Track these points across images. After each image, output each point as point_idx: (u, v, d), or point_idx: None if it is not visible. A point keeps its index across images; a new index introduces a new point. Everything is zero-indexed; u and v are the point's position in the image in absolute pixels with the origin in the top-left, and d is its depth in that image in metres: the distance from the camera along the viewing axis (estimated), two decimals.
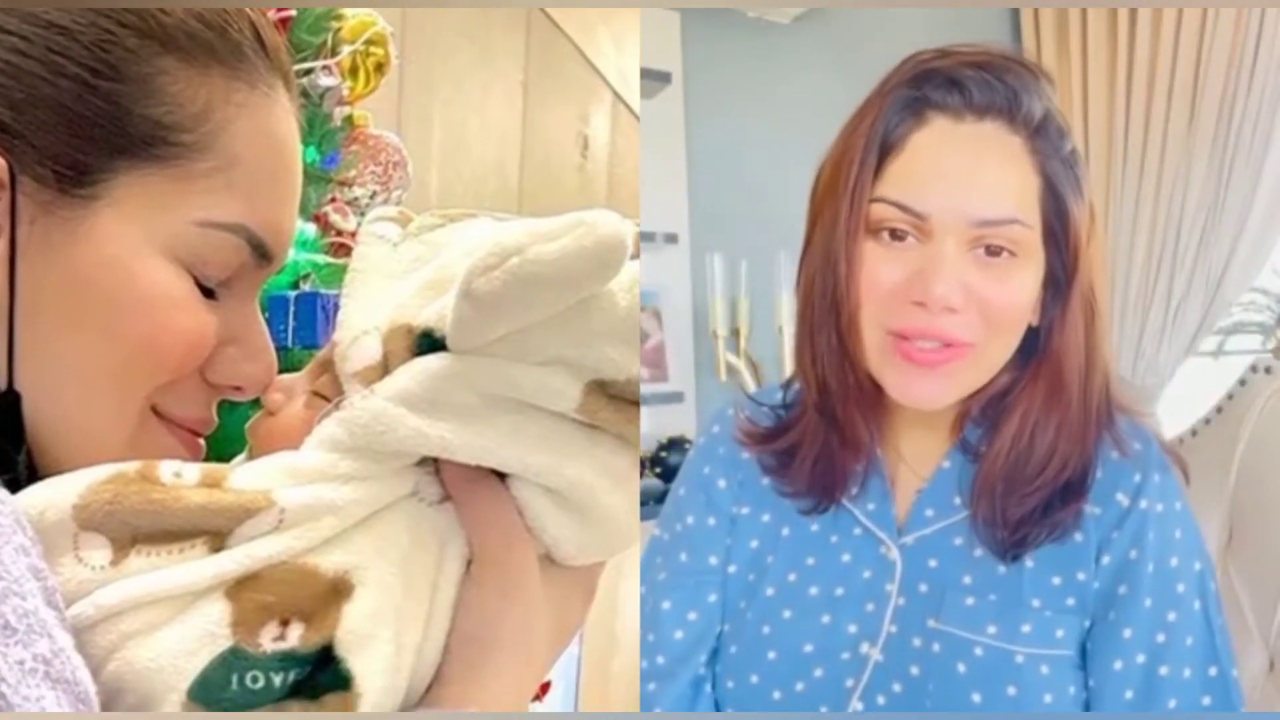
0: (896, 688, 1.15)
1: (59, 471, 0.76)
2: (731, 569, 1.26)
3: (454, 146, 2.40)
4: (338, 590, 0.76)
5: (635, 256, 0.78)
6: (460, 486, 0.81)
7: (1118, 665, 1.12)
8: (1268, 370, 1.96)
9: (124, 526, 0.74)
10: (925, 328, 1.07)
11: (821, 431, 1.20)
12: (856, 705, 1.15)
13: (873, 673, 1.16)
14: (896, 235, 1.08)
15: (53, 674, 0.63)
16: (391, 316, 0.80)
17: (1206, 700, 1.12)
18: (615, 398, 0.81)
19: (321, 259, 1.17)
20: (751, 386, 3.04)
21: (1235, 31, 3.13)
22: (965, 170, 1.07)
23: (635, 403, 0.81)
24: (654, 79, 3.00)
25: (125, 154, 0.79)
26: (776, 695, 1.19)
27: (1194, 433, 2.00)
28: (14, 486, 0.74)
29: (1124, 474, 1.16)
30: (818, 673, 1.18)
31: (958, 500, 1.19)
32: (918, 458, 1.23)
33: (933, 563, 1.18)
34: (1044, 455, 1.14)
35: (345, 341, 0.81)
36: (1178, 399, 3.22)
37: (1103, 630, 1.14)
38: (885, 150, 1.10)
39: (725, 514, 1.28)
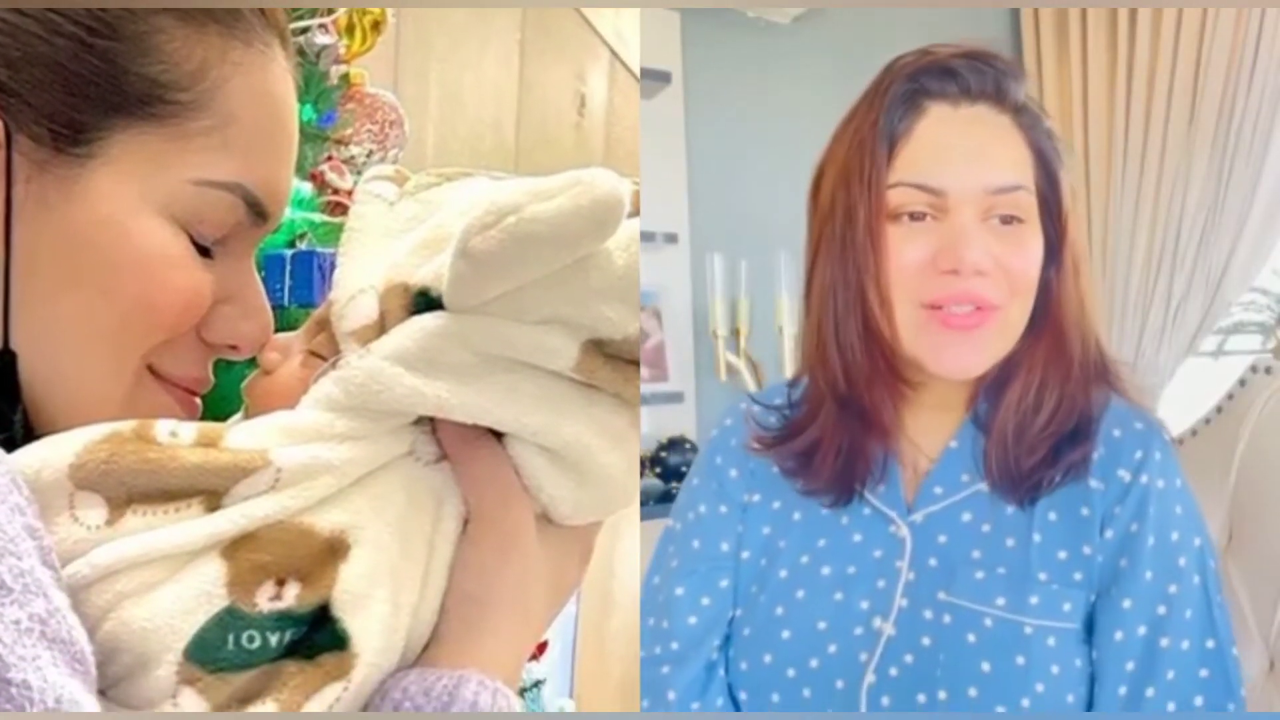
0: (908, 659, 1.17)
1: (55, 431, 0.76)
2: (745, 555, 1.29)
3: (450, 105, 2.39)
4: (334, 550, 0.76)
5: (633, 214, 0.78)
6: (457, 446, 0.81)
7: (1119, 636, 1.15)
8: (1268, 370, 1.96)
9: (120, 486, 0.73)
10: (961, 292, 1.13)
11: (844, 423, 1.23)
12: (870, 679, 1.17)
13: (885, 646, 1.18)
14: (915, 217, 1.14)
15: (48, 634, 0.63)
16: (388, 275, 0.80)
17: (1204, 673, 1.15)
18: (613, 357, 0.80)
19: (318, 217, 1.17)
20: (752, 386, 3.04)
21: (1235, 31, 3.13)
22: (972, 146, 1.15)
23: (633, 361, 0.81)
24: (654, 79, 3.00)
25: (121, 112, 0.79)
26: (791, 673, 1.20)
27: (1194, 433, 1.99)
28: (10, 445, 0.74)
29: (1126, 450, 1.20)
30: (831, 649, 1.19)
31: (965, 478, 1.23)
32: (926, 440, 1.26)
33: (942, 539, 1.21)
34: (1053, 405, 1.19)
35: (342, 300, 0.81)
36: (1178, 399, 3.21)
37: (1105, 603, 1.16)
38: (893, 142, 1.16)
39: (737, 502, 1.31)
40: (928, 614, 1.18)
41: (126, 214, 0.79)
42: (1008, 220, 1.14)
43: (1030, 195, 1.16)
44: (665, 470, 2.98)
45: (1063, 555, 1.18)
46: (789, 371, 2.99)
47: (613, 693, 3.35)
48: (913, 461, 1.26)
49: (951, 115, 1.16)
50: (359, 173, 1.24)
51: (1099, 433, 1.20)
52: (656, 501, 2.93)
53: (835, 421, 1.23)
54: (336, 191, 1.26)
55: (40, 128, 0.77)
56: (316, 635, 0.75)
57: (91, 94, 0.78)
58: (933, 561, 1.20)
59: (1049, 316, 1.19)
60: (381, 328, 0.79)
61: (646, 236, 2.98)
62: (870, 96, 1.19)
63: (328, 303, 0.84)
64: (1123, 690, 1.14)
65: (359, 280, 0.81)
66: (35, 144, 0.77)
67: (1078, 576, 1.17)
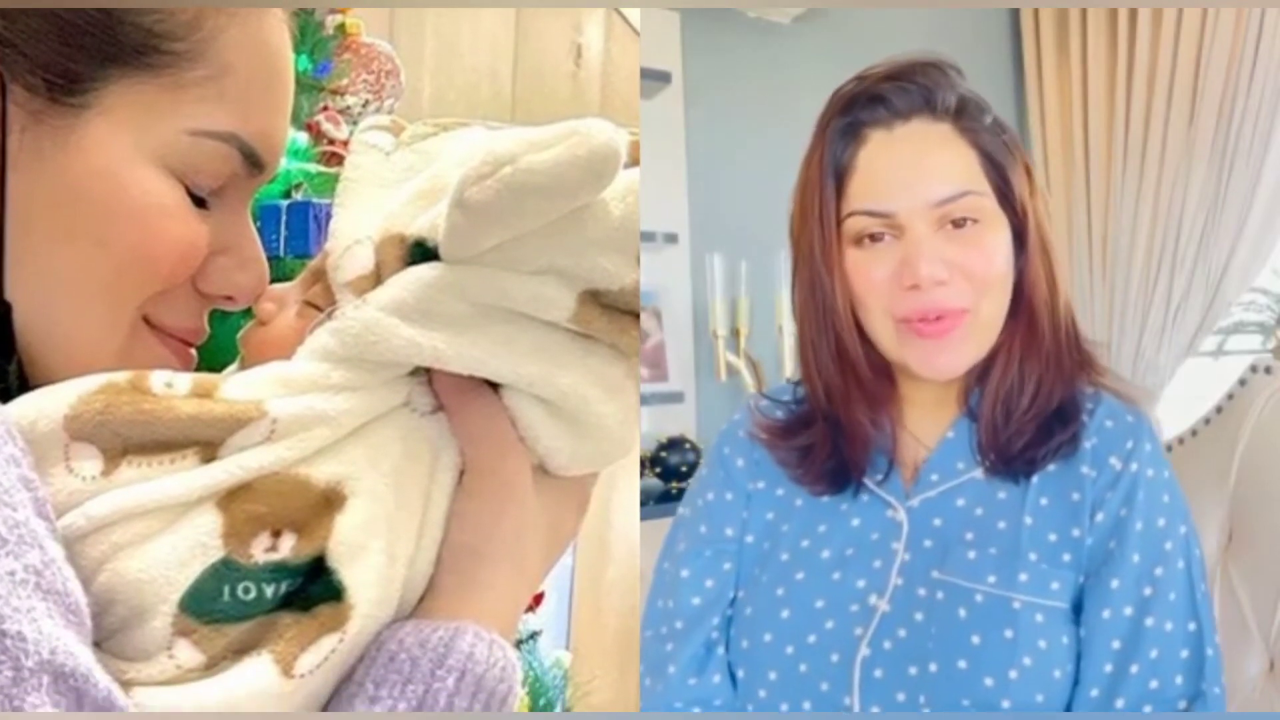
0: (901, 633, 1.20)
1: (50, 382, 0.76)
2: (749, 539, 1.34)
3: (447, 55, 2.39)
4: (329, 501, 0.76)
5: (630, 165, 0.78)
6: (453, 396, 0.81)
7: (1106, 614, 1.19)
8: (1268, 370, 1.95)
9: (115, 437, 0.73)
10: (925, 306, 1.19)
11: (830, 436, 1.30)
12: (865, 651, 1.20)
13: (880, 621, 1.21)
14: (875, 238, 1.21)
15: (43, 585, 0.63)
16: (384, 226, 0.80)
17: (1184, 653, 1.19)
18: (609, 307, 0.80)
19: (313, 168, 1.17)
20: (752, 386, 3.04)
21: (1235, 31, 3.14)
22: (911, 164, 1.20)
23: (629, 312, 0.81)
24: (654, 79, 3.00)
25: (116, 62, 0.78)
26: (789, 649, 1.23)
27: (1194, 433, 1.99)
28: (5, 396, 0.74)
29: (1118, 440, 1.26)
30: (828, 625, 1.23)
31: (960, 465, 1.29)
32: (924, 432, 1.32)
33: (937, 521, 1.26)
34: (1034, 386, 1.25)
35: (337, 251, 0.81)
36: (1178, 399, 3.21)
37: (1093, 584, 1.21)
38: (840, 174, 1.22)
39: (742, 490, 1.37)
40: (921, 591, 1.22)
41: (122, 164, 0.78)
42: (960, 224, 1.19)
43: (980, 196, 1.21)
44: (665, 470, 2.97)
45: (1053, 537, 1.23)
46: (789, 371, 3.00)
47: (609, 644, 3.35)
48: (913, 452, 1.32)
49: (888, 139, 1.21)
50: (355, 123, 1.24)
51: (1088, 414, 1.27)
52: (656, 501, 2.93)
53: (824, 434, 1.31)
54: (332, 142, 1.26)
55: (35, 78, 0.77)
56: (312, 587, 0.75)
57: (87, 44, 0.77)
58: (928, 543, 1.25)
59: (1022, 302, 1.25)
60: (377, 278, 0.79)
61: (647, 236, 2.98)
62: (817, 132, 1.25)
63: (323, 253, 0.83)
64: (1109, 667, 1.17)
65: (355, 231, 0.81)
66: (30, 94, 0.77)
67: (1066, 558, 1.22)
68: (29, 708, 0.58)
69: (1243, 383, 1.99)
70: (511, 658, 0.78)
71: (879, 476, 1.30)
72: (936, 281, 1.18)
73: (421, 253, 0.78)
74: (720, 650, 1.30)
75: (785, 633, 1.24)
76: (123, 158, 0.78)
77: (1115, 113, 3.36)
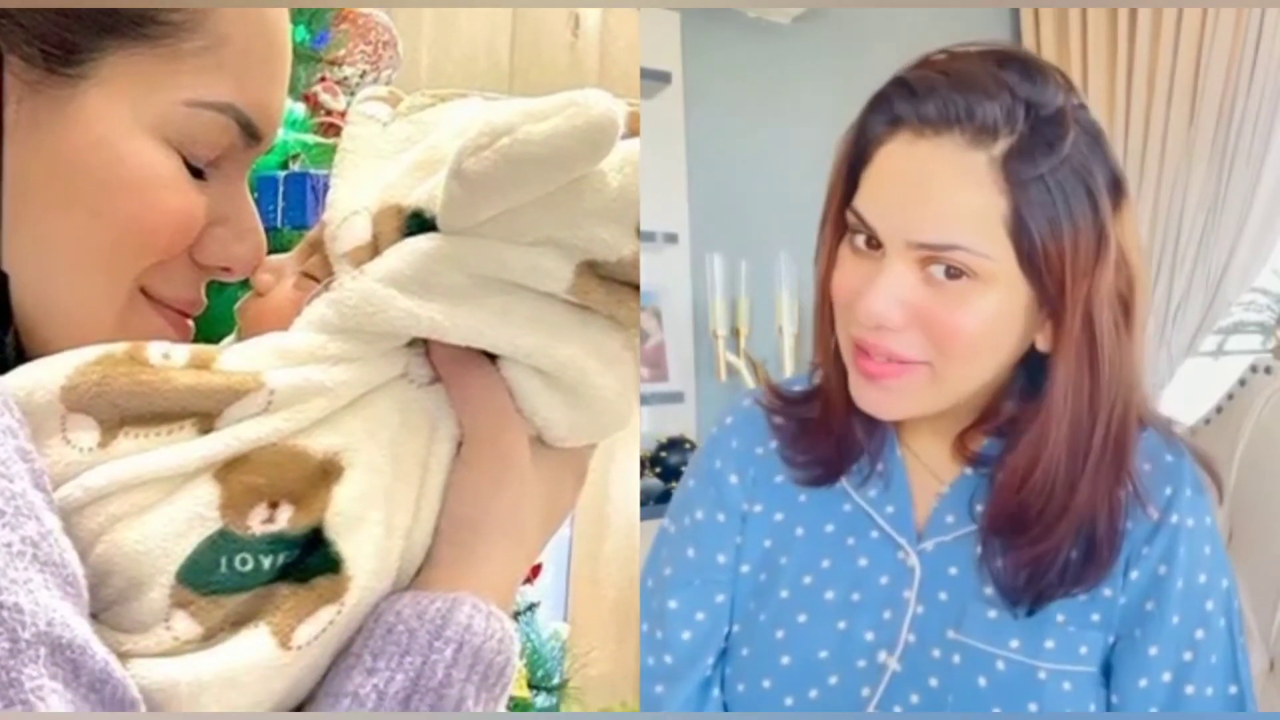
0: (914, 699, 1.14)
1: (47, 353, 0.76)
2: (744, 568, 1.25)
3: (444, 25, 2.40)
4: (327, 472, 0.76)
5: (628, 136, 0.78)
6: (450, 368, 0.81)
7: (1143, 683, 1.11)
8: (1268, 370, 1.97)
9: (112, 408, 0.73)
10: (874, 341, 1.05)
11: (846, 411, 1.17)
12: (873, 713, 1.14)
13: (890, 682, 1.14)
14: (871, 244, 1.06)
15: (40, 556, 0.63)
16: (381, 197, 0.80)
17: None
18: (607, 279, 0.80)
19: (311, 139, 1.17)
20: (751, 386, 3.04)
21: (1235, 31, 3.14)
22: (913, 190, 1.02)
23: (627, 283, 0.81)
24: (654, 79, 3.00)
25: (114, 33, 0.78)
26: (789, 701, 1.17)
27: (1194, 433, 2.00)
28: (1, 368, 0.74)
29: (1155, 488, 1.12)
30: (832, 680, 1.16)
31: (980, 508, 1.15)
32: (936, 463, 1.21)
33: (953, 570, 1.16)
34: (1040, 497, 1.09)
35: (335, 222, 0.81)
36: (1178, 399, 3.21)
37: (1128, 646, 1.12)
38: (860, 159, 1.07)
39: (736, 511, 1.26)
40: (936, 652, 1.14)
41: (119, 135, 0.78)
42: (954, 274, 1.01)
43: (978, 257, 1.00)
44: (665, 470, 2.97)
45: (1082, 597, 1.12)
46: (789, 371, 3.00)
47: (606, 616, 3.34)
48: (924, 484, 1.21)
49: (909, 148, 1.02)
50: (352, 94, 1.24)
51: (1120, 550, 1.11)
52: (656, 501, 2.93)
53: (841, 406, 1.16)
54: (330, 113, 1.26)
55: (32, 48, 0.77)
56: (309, 558, 0.75)
57: (84, 14, 0.77)
58: (943, 595, 1.16)
59: (1047, 392, 1.07)
60: (375, 249, 0.79)
61: (647, 236, 2.98)
62: (868, 105, 1.08)
63: (321, 224, 0.83)
64: None
65: (352, 202, 0.81)
66: (27, 65, 0.77)
67: (1095, 618, 1.12)
68: (26, 679, 0.58)
69: (1243, 383, 2.00)
70: (509, 629, 0.78)
71: (889, 509, 1.19)
72: (877, 324, 1.03)
73: (419, 224, 0.78)
74: (716, 691, 1.23)
75: (785, 682, 1.18)
76: (120, 128, 0.78)
77: (1115, 113, 3.36)
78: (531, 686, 1.69)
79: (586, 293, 0.80)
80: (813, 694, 1.16)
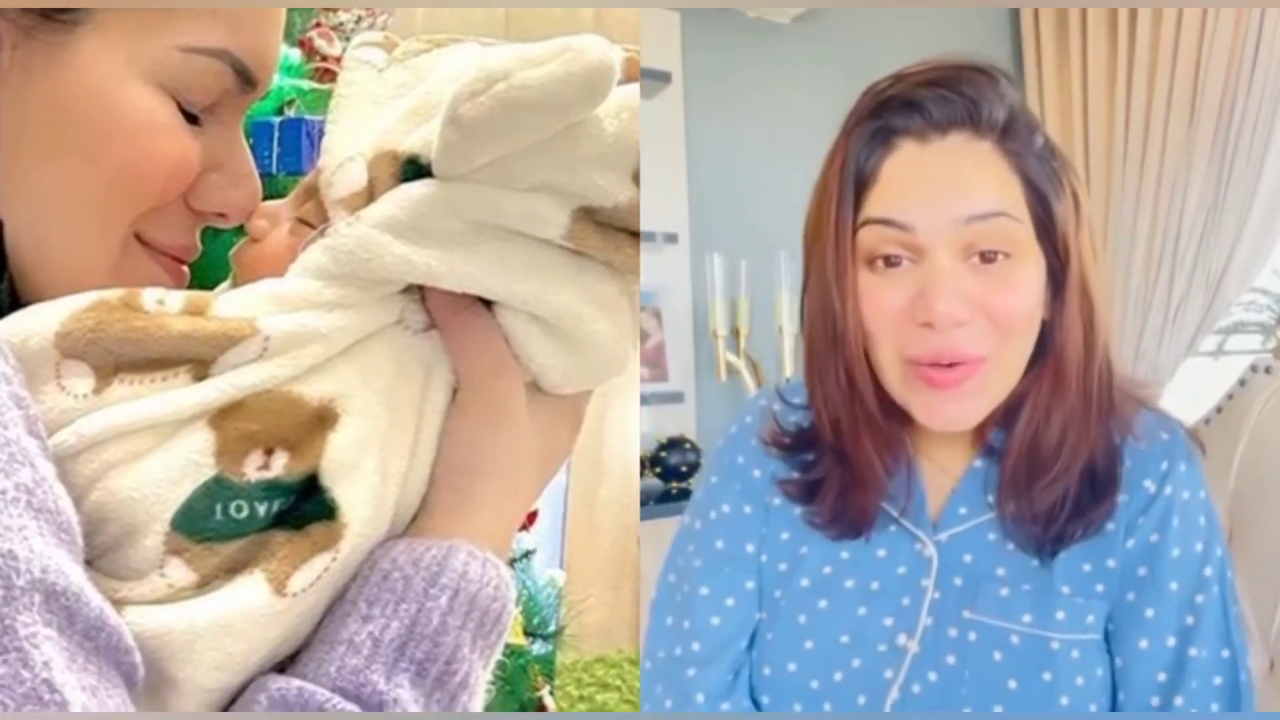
0: (932, 677, 1.16)
1: (41, 299, 0.75)
2: (764, 558, 1.27)
3: None
4: (322, 419, 0.75)
5: (625, 81, 0.77)
6: (446, 314, 0.80)
7: (1143, 644, 1.14)
8: (1268, 370, 1.96)
9: (107, 354, 0.72)
10: (939, 349, 1.07)
11: (838, 472, 1.21)
12: (895, 695, 1.16)
13: (910, 663, 1.16)
14: (891, 262, 1.08)
15: (34, 503, 0.62)
16: (377, 143, 0.80)
17: (1217, 680, 1.14)
18: (603, 225, 0.80)
19: (306, 84, 1.16)
20: (752, 386, 3.04)
21: (1235, 31, 3.15)
22: (942, 177, 1.08)
23: (624, 229, 0.80)
24: (654, 79, 3.01)
25: None
26: (814, 685, 1.19)
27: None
28: None
29: (1152, 461, 1.17)
30: (855, 663, 1.18)
31: (990, 498, 1.20)
32: (949, 460, 1.23)
33: (967, 557, 1.19)
34: (1053, 445, 1.14)
35: (330, 168, 0.80)
36: (1178, 399, 3.21)
37: (1123, 610, 1.15)
38: (861, 183, 1.10)
39: (760, 503, 1.28)
40: (953, 632, 1.16)
41: (114, 81, 0.78)
42: (990, 257, 1.06)
43: (1016, 223, 1.07)
44: (665, 470, 2.97)
45: (1087, 568, 1.16)
46: (789, 371, 3.00)
47: (603, 563, 3.35)
48: (936, 481, 1.23)
49: (920, 152, 1.08)
50: (348, 39, 1.23)
51: (1123, 480, 1.16)
52: (657, 501, 2.93)
53: (833, 469, 1.21)
54: (325, 58, 1.26)
55: None
56: (305, 505, 0.74)
57: None
58: (958, 580, 1.19)
59: (1050, 350, 1.13)
60: (370, 195, 0.78)
61: (647, 236, 2.98)
62: (842, 134, 1.13)
63: (316, 170, 0.83)
64: (1155, 700, 1.13)
65: (348, 147, 0.80)
66: (21, 11, 0.76)
67: (1100, 588, 1.16)
68: (20, 626, 0.58)
69: (1243, 383, 1.99)
70: (505, 576, 0.78)
71: (905, 505, 1.21)
72: (955, 322, 1.05)
73: (414, 170, 0.78)
74: (747, 675, 1.24)
75: (810, 665, 1.19)
76: (115, 74, 0.78)
77: (1115, 113, 3.37)
78: (527, 633, 1.69)
79: (583, 239, 0.79)
80: (837, 677, 1.18)
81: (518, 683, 1.65)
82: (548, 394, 0.84)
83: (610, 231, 0.80)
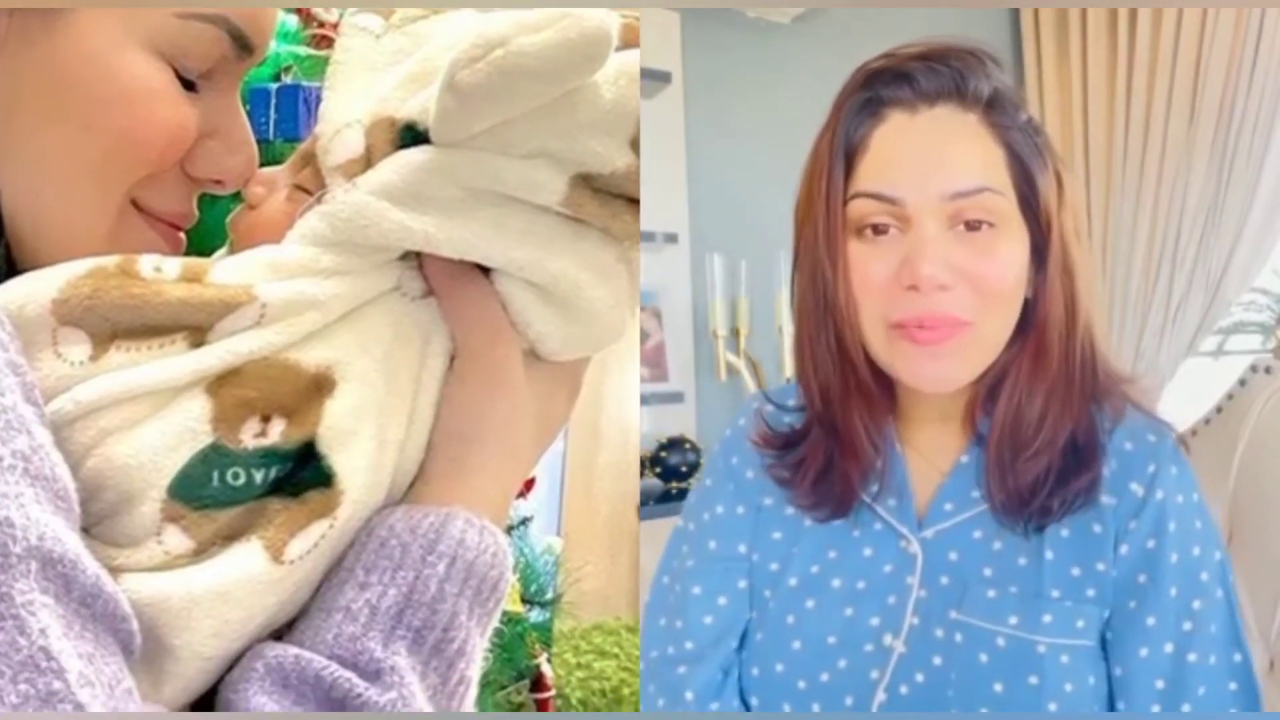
0: (919, 677, 1.15)
1: (37, 266, 0.75)
2: (755, 557, 1.27)
3: None
4: (319, 386, 0.75)
5: (624, 48, 0.77)
6: (443, 281, 0.80)
7: (1143, 653, 1.13)
8: (1268, 370, 1.96)
9: (103, 321, 0.73)
10: (922, 311, 1.09)
11: (823, 445, 1.22)
12: (881, 697, 1.16)
13: (896, 664, 1.16)
14: (879, 230, 1.10)
15: (31, 470, 0.62)
16: (374, 109, 0.80)
17: (1233, 685, 1.13)
18: (601, 191, 0.80)
19: (303, 51, 1.16)
20: (752, 386, 3.04)
21: (1235, 31, 3.15)
22: (929, 151, 1.10)
23: (623, 196, 0.80)
24: (654, 79, 3.01)
25: None
26: (801, 685, 1.19)
27: (1194, 433, 1.99)
28: None
29: (1138, 465, 1.16)
30: (841, 664, 1.18)
31: (976, 494, 1.20)
32: (936, 452, 1.24)
33: (953, 555, 1.19)
34: (1035, 420, 1.15)
35: (327, 134, 0.80)
36: (1178, 399, 3.21)
37: (1123, 618, 1.14)
38: (851, 153, 1.12)
39: (753, 504, 1.29)
40: (939, 632, 1.16)
41: (110, 48, 0.78)
42: (974, 226, 1.09)
43: (1000, 197, 1.10)
44: (665, 470, 2.97)
45: (1076, 572, 1.15)
46: (789, 371, 2.99)
47: (600, 530, 3.34)
48: (924, 475, 1.24)
49: (908, 123, 1.11)
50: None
51: (1106, 455, 1.16)
52: (657, 501, 2.92)
53: (817, 443, 1.23)
54: (322, 24, 1.25)
55: None
56: (302, 472, 0.75)
57: None
58: (944, 579, 1.18)
59: (1033, 323, 1.15)
60: (368, 162, 0.78)
61: (647, 236, 2.99)
62: (834, 106, 1.15)
63: (313, 137, 0.83)
64: (1155, 707, 1.12)
65: (345, 114, 0.80)
66: None
67: (1090, 593, 1.14)
68: (17, 594, 0.58)
69: (1243, 383, 1.99)
70: (502, 543, 0.78)
71: (891, 501, 1.22)
72: (938, 285, 1.07)
73: (412, 136, 0.78)
74: (737, 674, 1.25)
75: (797, 666, 1.20)
76: (111, 41, 0.78)
77: (1115, 113, 3.37)
78: (525, 601, 1.68)
79: (580, 205, 0.79)
80: (824, 677, 1.18)
81: (515, 650, 1.64)
82: (545, 361, 0.85)
83: (608, 198, 0.80)
